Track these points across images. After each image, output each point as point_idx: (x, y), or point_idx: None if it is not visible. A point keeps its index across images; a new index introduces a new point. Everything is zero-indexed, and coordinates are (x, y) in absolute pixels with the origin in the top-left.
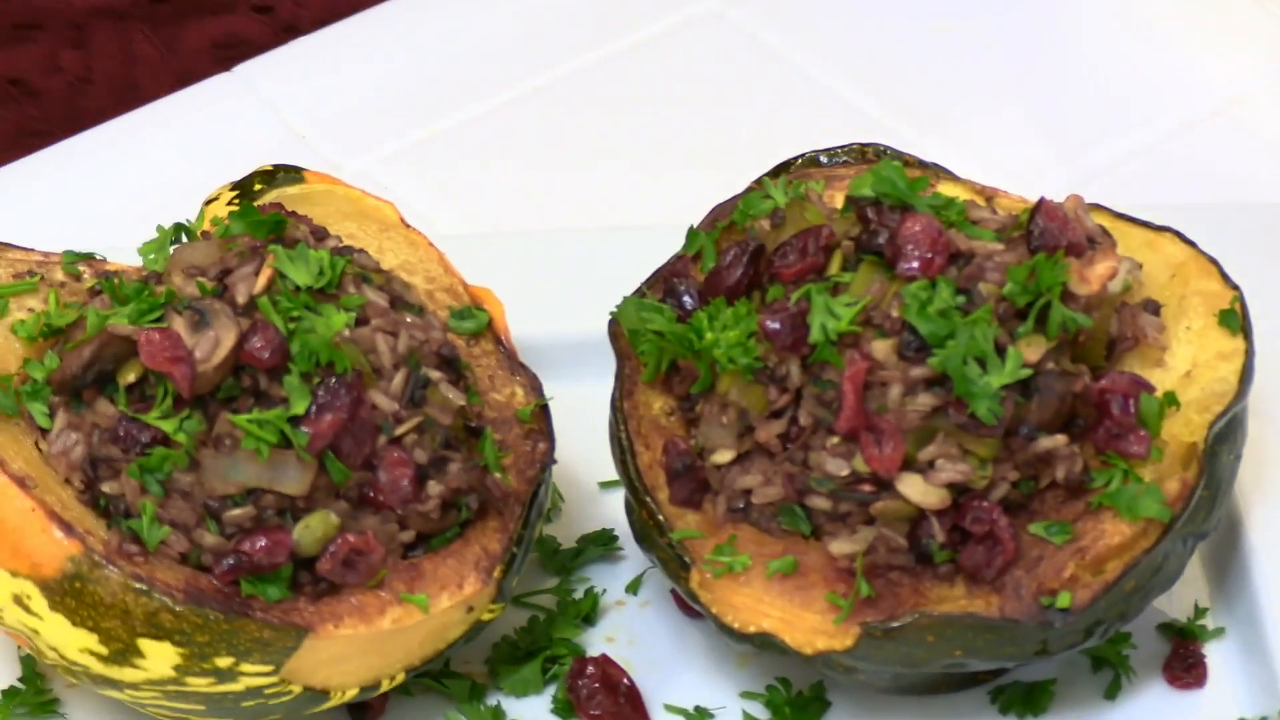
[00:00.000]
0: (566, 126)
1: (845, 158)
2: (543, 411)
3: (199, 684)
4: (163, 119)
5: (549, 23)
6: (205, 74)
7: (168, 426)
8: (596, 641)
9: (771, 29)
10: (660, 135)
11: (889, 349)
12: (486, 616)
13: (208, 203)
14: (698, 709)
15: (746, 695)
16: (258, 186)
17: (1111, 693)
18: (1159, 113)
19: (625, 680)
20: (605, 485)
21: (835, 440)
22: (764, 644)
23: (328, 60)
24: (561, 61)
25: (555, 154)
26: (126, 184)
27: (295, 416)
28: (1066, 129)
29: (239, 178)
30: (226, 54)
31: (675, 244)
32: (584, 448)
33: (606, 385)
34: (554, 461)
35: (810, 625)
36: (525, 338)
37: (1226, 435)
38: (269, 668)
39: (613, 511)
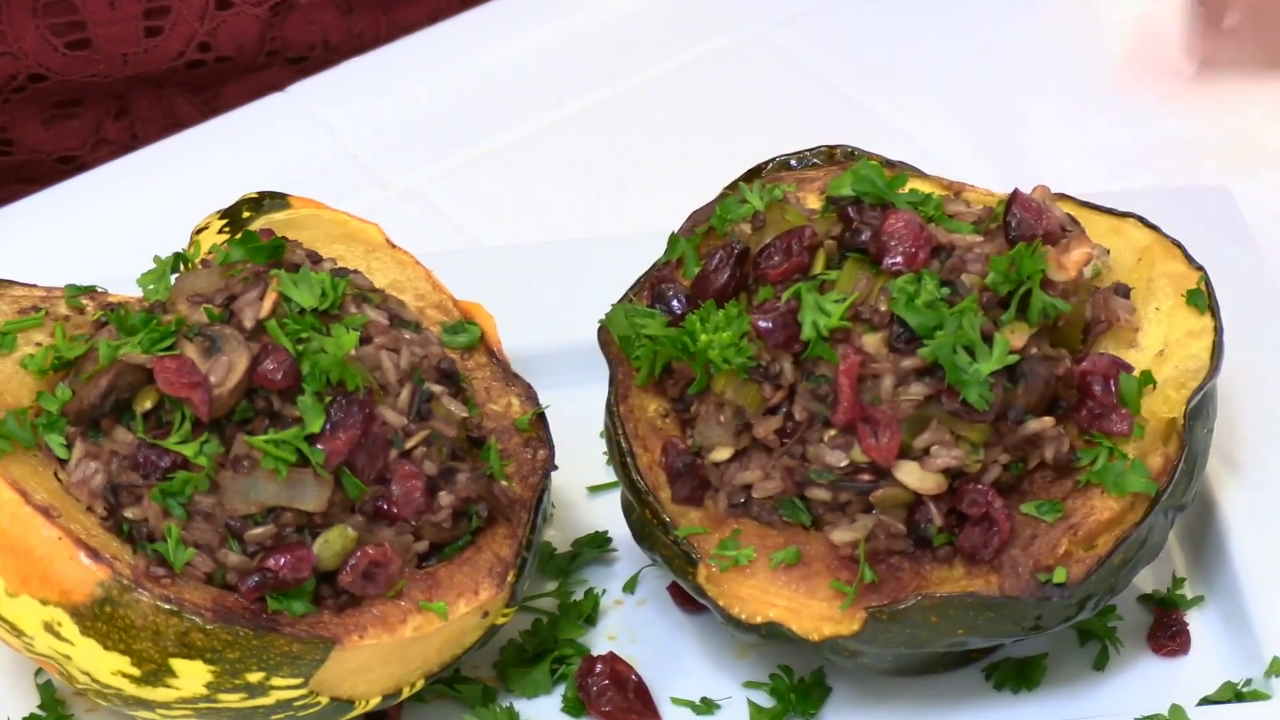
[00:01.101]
0: (610, 145)
1: (814, 159)
2: (540, 420)
3: (231, 700)
4: (217, 139)
5: (595, 46)
6: None
7: (188, 450)
8: (599, 640)
9: (817, 53)
10: (703, 155)
11: (879, 342)
12: (500, 620)
13: (198, 231)
14: (704, 700)
15: (750, 685)
16: (246, 214)
17: (1100, 664)
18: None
19: (633, 676)
20: (595, 489)
21: (832, 433)
22: (771, 633)
23: (380, 81)
24: (607, 83)
25: (601, 172)
26: (165, 208)
27: (311, 435)
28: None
29: (225, 206)
30: None
31: (650, 251)
32: (570, 454)
33: (587, 391)
34: (556, 467)
35: (816, 612)
36: (508, 348)
37: (1201, 410)
38: (298, 680)
39: (604, 514)
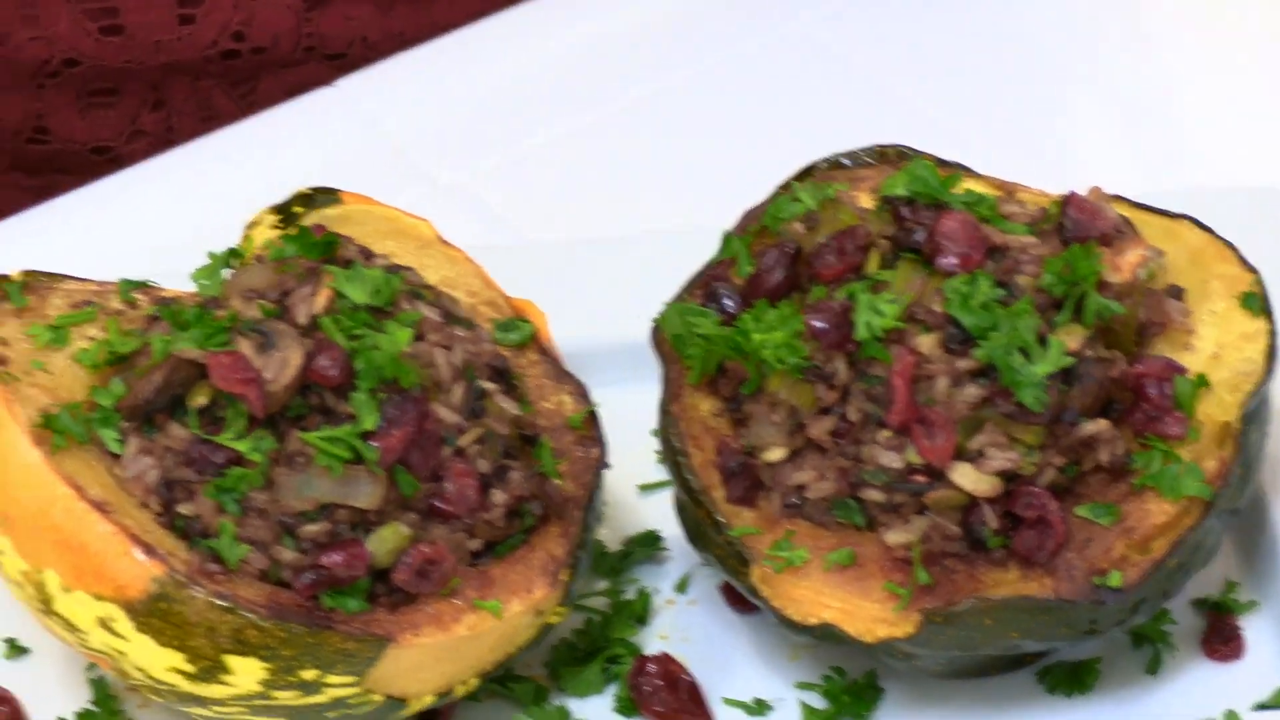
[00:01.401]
0: (659, 141)
1: (867, 159)
2: (592, 418)
3: (285, 697)
4: (266, 134)
5: (643, 41)
6: None
7: (243, 447)
8: (651, 640)
9: (867, 51)
10: (753, 151)
11: (934, 343)
12: (554, 619)
13: (250, 226)
14: (757, 701)
15: (802, 686)
16: (298, 209)
17: (1153, 668)
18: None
19: (685, 676)
20: (645, 488)
21: (887, 434)
22: (825, 635)
23: (427, 76)
24: (655, 78)
25: (649, 168)
26: (215, 202)
27: (365, 432)
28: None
29: (276, 202)
30: None
31: (701, 246)
32: (622, 452)
33: (639, 389)
34: (608, 466)
35: (870, 614)
36: (559, 345)
37: (1255, 414)
38: (352, 678)
39: (655, 514)
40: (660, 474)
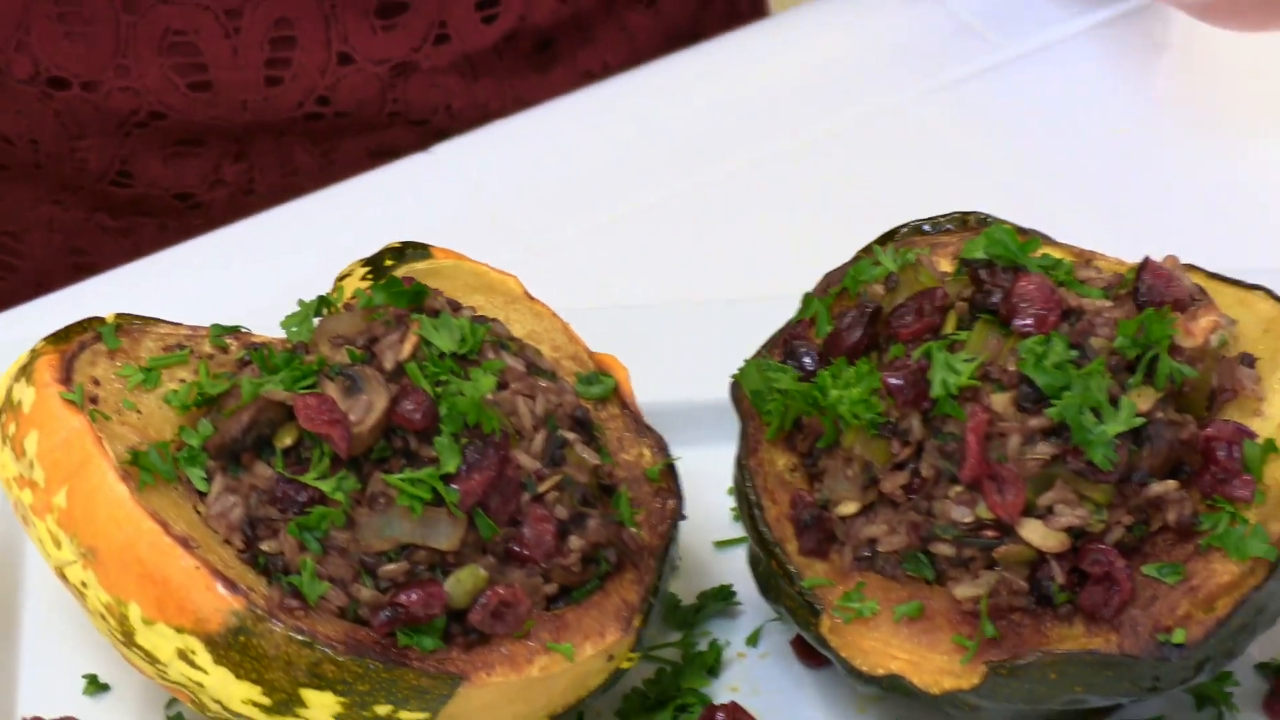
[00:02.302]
0: (747, 210)
1: (948, 225)
2: (670, 470)
3: None
4: (362, 195)
5: (732, 115)
6: None
7: (326, 487)
8: (722, 691)
9: (954, 125)
10: (837, 222)
11: (1007, 401)
12: (625, 665)
13: (341, 278)
14: None
15: None
16: (388, 262)
17: None
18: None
19: None
20: (721, 545)
21: (958, 489)
22: (892, 686)
23: (522, 144)
24: (743, 151)
25: (736, 236)
26: (306, 263)
27: (447, 475)
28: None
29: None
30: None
31: (782, 312)
32: (698, 509)
33: (717, 449)
34: (684, 517)
35: (937, 666)
36: (641, 405)
37: None
38: (426, 715)
39: (729, 569)
40: (736, 531)
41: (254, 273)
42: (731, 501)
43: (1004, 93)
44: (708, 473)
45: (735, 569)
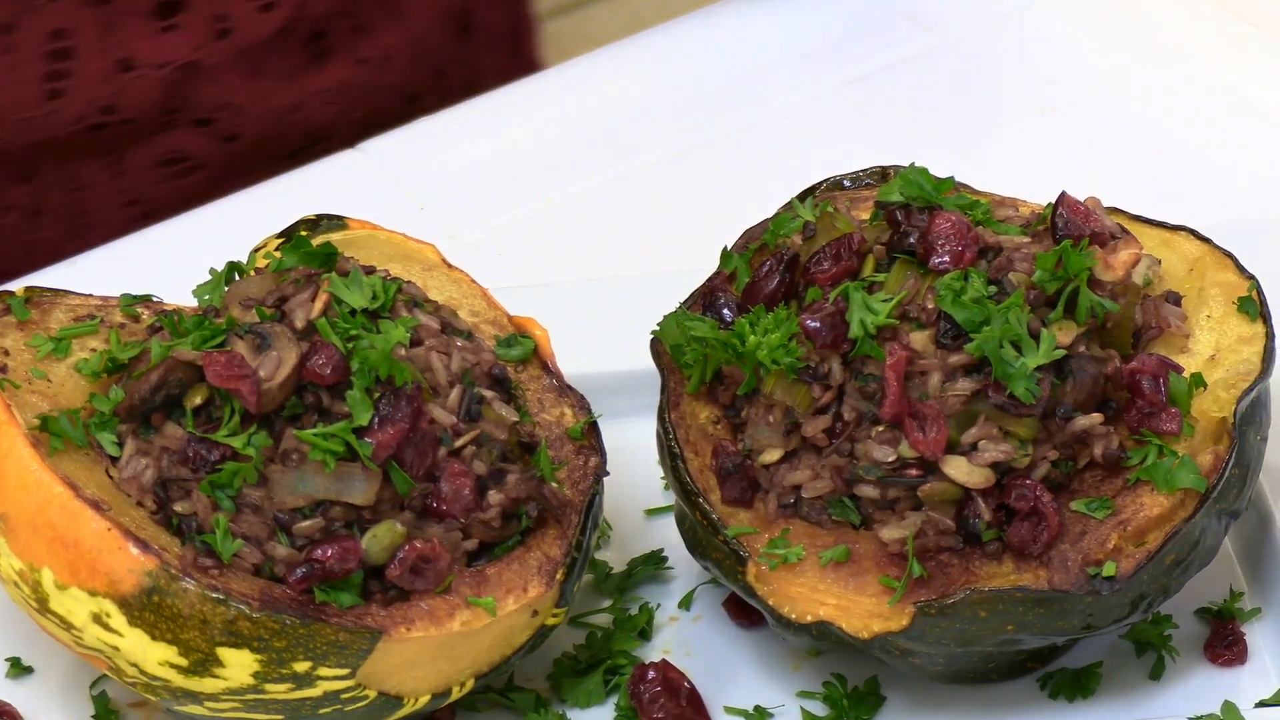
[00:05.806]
0: (669, 198)
1: (868, 180)
2: (593, 428)
3: (278, 690)
4: (284, 193)
5: (636, 112)
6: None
7: (236, 443)
8: (654, 654)
9: (879, 114)
10: (761, 209)
11: (927, 339)
12: (550, 621)
13: (256, 250)
14: (757, 709)
15: (804, 694)
16: (303, 233)
17: (1156, 673)
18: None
19: (686, 684)
20: (652, 512)
21: (880, 429)
22: (822, 634)
23: (447, 138)
24: (664, 144)
25: (660, 223)
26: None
27: (359, 428)
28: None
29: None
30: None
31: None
32: (629, 480)
33: (645, 420)
34: (608, 473)
35: (865, 609)
36: (565, 377)
37: (1252, 416)
38: (345, 670)
39: (661, 537)
40: (667, 499)
41: (176, 273)
42: (661, 472)
43: (934, 75)
44: (638, 445)
45: (667, 537)
